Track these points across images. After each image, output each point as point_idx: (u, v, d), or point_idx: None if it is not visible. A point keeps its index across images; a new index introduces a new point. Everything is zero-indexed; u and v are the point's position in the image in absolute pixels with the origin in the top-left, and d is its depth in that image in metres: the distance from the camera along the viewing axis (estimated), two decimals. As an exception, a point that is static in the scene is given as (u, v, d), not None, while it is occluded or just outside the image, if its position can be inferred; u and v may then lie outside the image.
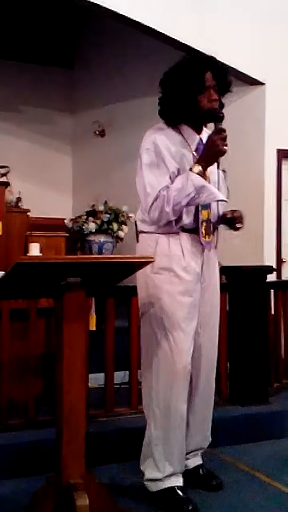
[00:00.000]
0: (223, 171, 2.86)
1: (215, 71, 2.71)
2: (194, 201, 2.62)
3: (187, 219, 2.71)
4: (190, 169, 2.63)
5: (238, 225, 2.83)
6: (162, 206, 2.61)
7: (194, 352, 2.79)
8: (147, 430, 2.80)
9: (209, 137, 2.67)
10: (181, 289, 2.69)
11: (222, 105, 2.76)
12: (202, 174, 2.63)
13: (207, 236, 2.74)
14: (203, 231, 2.72)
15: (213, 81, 2.69)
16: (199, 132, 2.78)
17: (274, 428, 3.76)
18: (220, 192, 2.71)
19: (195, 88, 2.66)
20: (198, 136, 2.77)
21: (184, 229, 2.72)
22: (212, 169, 2.75)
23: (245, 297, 3.92)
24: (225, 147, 2.64)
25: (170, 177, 2.65)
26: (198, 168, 2.62)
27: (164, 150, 2.66)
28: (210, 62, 2.72)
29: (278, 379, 4.30)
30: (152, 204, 2.63)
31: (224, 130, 2.65)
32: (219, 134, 2.64)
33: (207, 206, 2.72)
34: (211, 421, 2.98)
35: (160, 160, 2.65)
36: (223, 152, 2.65)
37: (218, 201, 2.72)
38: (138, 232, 2.84)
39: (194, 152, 2.72)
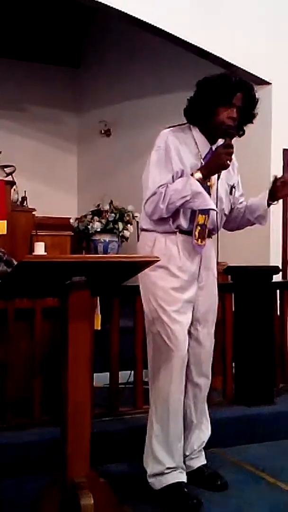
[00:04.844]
0: (233, 186, 2.96)
1: (247, 97, 2.79)
2: (188, 205, 2.72)
3: (183, 221, 2.79)
4: (192, 174, 2.73)
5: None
6: (158, 201, 2.72)
7: (195, 347, 2.88)
8: (148, 426, 2.84)
9: (216, 149, 2.78)
10: (175, 286, 2.78)
11: (243, 133, 2.89)
12: (202, 181, 2.72)
13: (199, 240, 2.79)
14: (196, 234, 2.78)
15: (241, 103, 2.77)
16: (212, 142, 2.84)
17: (280, 428, 3.75)
18: (223, 205, 2.88)
19: (221, 98, 2.74)
20: (210, 146, 2.84)
21: (181, 230, 2.80)
22: (219, 185, 2.84)
23: (251, 297, 3.91)
24: (228, 162, 2.75)
25: (173, 177, 2.75)
26: (198, 175, 2.72)
27: (173, 151, 2.76)
28: (247, 87, 2.80)
29: (283, 380, 4.29)
30: (149, 198, 2.75)
31: (232, 146, 2.76)
32: (226, 149, 2.74)
33: (205, 212, 2.77)
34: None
35: (168, 159, 2.76)
36: (225, 166, 2.77)
37: (208, 209, 2.77)
38: (140, 230, 2.95)
39: (202, 160, 2.80)
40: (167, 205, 2.70)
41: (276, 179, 2.93)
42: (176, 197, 2.69)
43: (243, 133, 2.91)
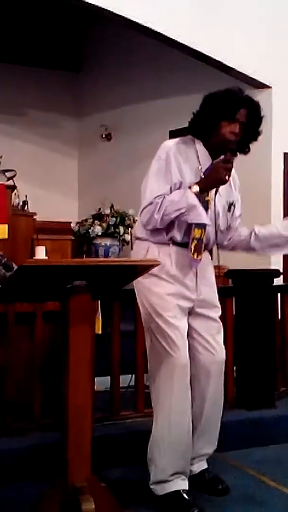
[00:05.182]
0: (232, 204, 2.93)
1: (252, 114, 2.78)
2: (183, 217, 2.70)
3: (177, 233, 2.77)
4: (189, 187, 2.71)
5: None
6: (153, 211, 2.70)
7: (204, 356, 2.86)
8: (151, 432, 2.81)
9: (215, 164, 2.76)
10: (170, 291, 2.76)
11: (248, 150, 2.87)
12: (199, 195, 2.70)
13: (195, 254, 2.76)
14: (192, 248, 2.75)
15: (245, 119, 2.76)
16: (214, 157, 2.81)
17: (281, 432, 3.74)
18: (219, 221, 2.84)
19: (224, 113, 2.73)
20: (211, 161, 2.81)
21: (174, 242, 2.79)
22: (218, 201, 2.83)
23: (252, 300, 3.91)
24: (226, 177, 2.72)
25: (171, 188, 2.74)
26: (196, 188, 2.71)
27: (174, 163, 2.75)
28: (252, 104, 2.79)
29: (284, 383, 4.28)
30: (145, 207, 2.74)
31: (231, 162, 2.74)
32: (225, 164, 2.72)
33: (202, 226, 2.74)
34: (218, 427, 2.98)
35: (167, 170, 2.74)
36: (224, 181, 2.75)
37: (199, 224, 2.73)
38: (134, 238, 2.95)
39: (202, 174, 2.77)
40: (162, 216, 2.69)
41: None
42: (171, 208, 2.67)
43: (249, 151, 2.89)
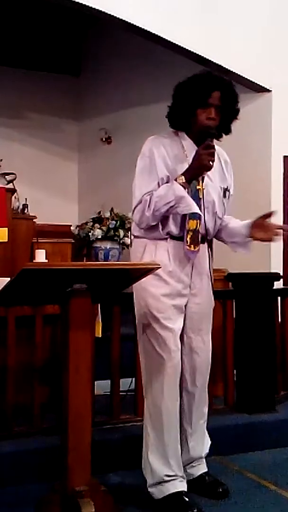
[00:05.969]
0: (227, 190, 2.90)
1: (226, 94, 2.75)
2: (173, 210, 2.69)
3: (173, 227, 2.76)
4: (175, 180, 2.69)
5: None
6: (144, 209, 2.71)
7: (188, 355, 2.85)
8: (144, 435, 2.82)
9: (197, 151, 2.72)
10: (166, 292, 2.75)
11: (229, 130, 2.84)
12: (186, 185, 2.69)
13: (192, 246, 2.75)
14: (188, 240, 2.74)
15: (219, 101, 2.74)
16: (199, 146, 2.78)
17: (281, 436, 3.74)
18: (215, 208, 2.82)
19: (197, 100, 2.72)
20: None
21: (172, 236, 2.77)
22: (211, 188, 2.81)
23: (252, 304, 3.90)
24: (210, 163, 2.69)
25: (159, 184, 2.73)
26: (181, 179, 2.69)
27: (158, 158, 2.74)
28: (223, 84, 2.76)
29: (285, 387, 4.27)
30: (136, 206, 2.74)
31: (212, 147, 2.71)
32: (207, 149, 2.69)
33: (196, 217, 2.73)
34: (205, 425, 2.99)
35: (153, 167, 2.74)
36: (208, 167, 2.71)
37: (193, 215, 2.72)
38: (132, 237, 2.95)
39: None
40: (153, 212, 2.68)
41: (265, 215, 2.86)
42: (160, 203, 2.67)
43: (230, 131, 2.85)
